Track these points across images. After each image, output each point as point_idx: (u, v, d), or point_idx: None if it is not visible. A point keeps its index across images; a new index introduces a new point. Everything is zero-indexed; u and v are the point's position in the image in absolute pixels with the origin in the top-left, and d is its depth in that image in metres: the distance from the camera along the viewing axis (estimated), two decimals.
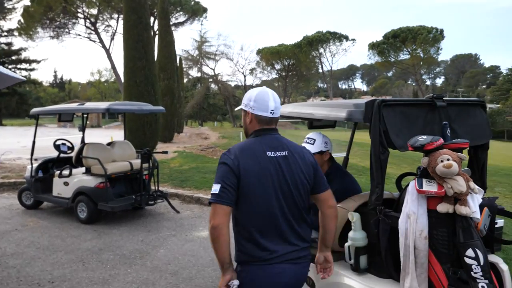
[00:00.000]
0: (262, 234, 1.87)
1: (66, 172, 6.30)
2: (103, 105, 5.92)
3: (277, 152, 1.92)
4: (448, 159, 2.00)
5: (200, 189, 8.06)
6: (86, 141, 6.82)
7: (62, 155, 6.83)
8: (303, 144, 2.88)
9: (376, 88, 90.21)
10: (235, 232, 1.95)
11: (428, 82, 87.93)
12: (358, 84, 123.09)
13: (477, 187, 2.10)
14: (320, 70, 62.49)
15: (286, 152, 1.95)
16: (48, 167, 6.87)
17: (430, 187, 2.03)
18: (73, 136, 10.49)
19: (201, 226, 5.90)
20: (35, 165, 6.75)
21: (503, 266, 2.32)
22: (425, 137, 2.10)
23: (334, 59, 75.39)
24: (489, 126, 2.67)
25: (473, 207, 2.00)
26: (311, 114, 2.74)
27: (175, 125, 20.65)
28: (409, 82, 78.81)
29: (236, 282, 1.87)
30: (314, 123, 3.48)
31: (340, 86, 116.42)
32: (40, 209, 6.86)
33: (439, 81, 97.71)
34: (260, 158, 1.88)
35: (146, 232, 5.54)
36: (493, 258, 2.34)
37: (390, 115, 2.20)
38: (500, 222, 2.55)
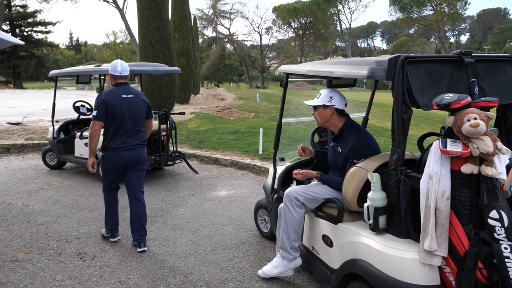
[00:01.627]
0: (119, 136, 3.57)
1: (86, 133, 6.42)
2: None
3: (127, 95, 3.61)
4: (475, 118, 1.93)
5: (218, 149, 8.12)
6: None
7: (81, 116, 6.94)
8: (314, 99, 2.94)
9: (397, 46, 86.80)
10: (104, 135, 3.61)
11: (452, 40, 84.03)
12: (378, 42, 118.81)
13: (504, 147, 2.03)
14: (339, 28, 60.45)
15: (133, 95, 3.65)
16: (69, 129, 7.01)
17: (454, 147, 1.97)
18: (91, 98, 10.58)
19: (219, 186, 6.00)
20: (56, 126, 6.89)
21: None
22: (451, 95, 2.01)
23: (353, 16, 72.59)
24: None
25: (499, 168, 1.94)
26: (330, 72, 2.65)
27: (192, 86, 20.58)
28: (431, 39, 75.52)
29: (101, 153, 3.67)
30: (333, 82, 3.39)
31: (359, 44, 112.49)
32: (64, 169, 7.08)
33: (464, 38, 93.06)
34: (118, 98, 3.56)
35: (166, 192, 5.68)
36: None
37: (414, 72, 2.10)
38: None
